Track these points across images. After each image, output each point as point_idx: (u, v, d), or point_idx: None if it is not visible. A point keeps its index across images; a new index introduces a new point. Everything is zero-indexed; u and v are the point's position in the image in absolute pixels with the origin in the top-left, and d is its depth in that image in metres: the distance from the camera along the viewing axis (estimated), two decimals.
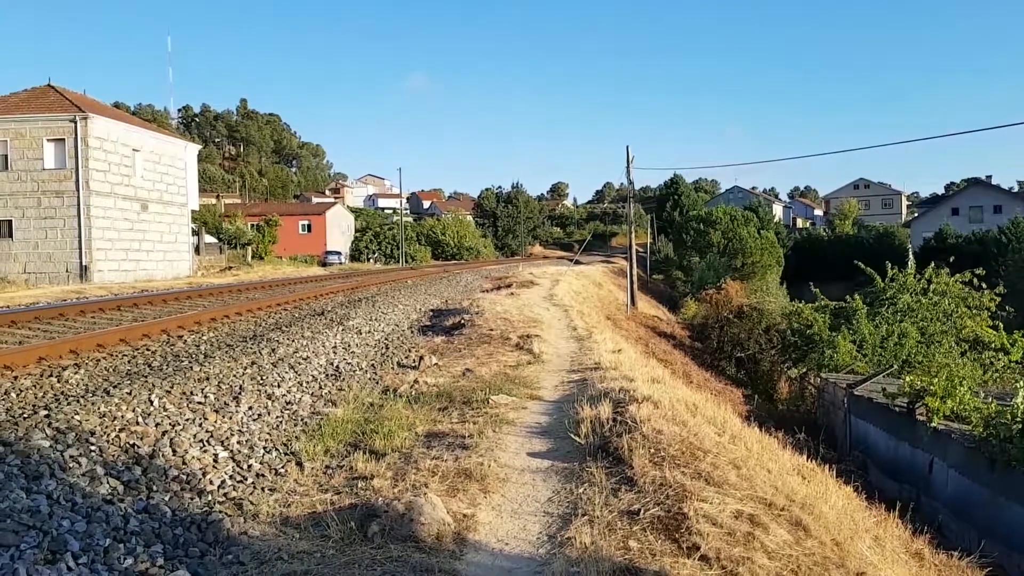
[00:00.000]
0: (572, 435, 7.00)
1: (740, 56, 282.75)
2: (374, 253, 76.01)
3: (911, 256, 53.16)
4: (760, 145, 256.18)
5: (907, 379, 14.12)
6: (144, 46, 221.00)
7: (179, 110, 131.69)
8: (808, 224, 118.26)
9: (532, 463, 6.61)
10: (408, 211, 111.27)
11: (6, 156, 33.16)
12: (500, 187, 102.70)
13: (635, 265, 37.45)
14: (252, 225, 65.63)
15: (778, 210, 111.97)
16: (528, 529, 5.21)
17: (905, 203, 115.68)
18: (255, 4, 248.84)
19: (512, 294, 24.17)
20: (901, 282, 25.08)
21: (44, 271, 32.72)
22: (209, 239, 58.63)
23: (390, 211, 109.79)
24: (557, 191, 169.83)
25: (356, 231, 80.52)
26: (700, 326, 35.54)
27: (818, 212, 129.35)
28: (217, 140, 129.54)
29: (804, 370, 24.62)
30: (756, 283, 44.17)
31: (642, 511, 5.16)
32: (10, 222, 33.30)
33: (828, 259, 64.24)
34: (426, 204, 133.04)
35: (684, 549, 4.68)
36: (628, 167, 36.22)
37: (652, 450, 6.18)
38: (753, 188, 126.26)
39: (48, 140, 33.10)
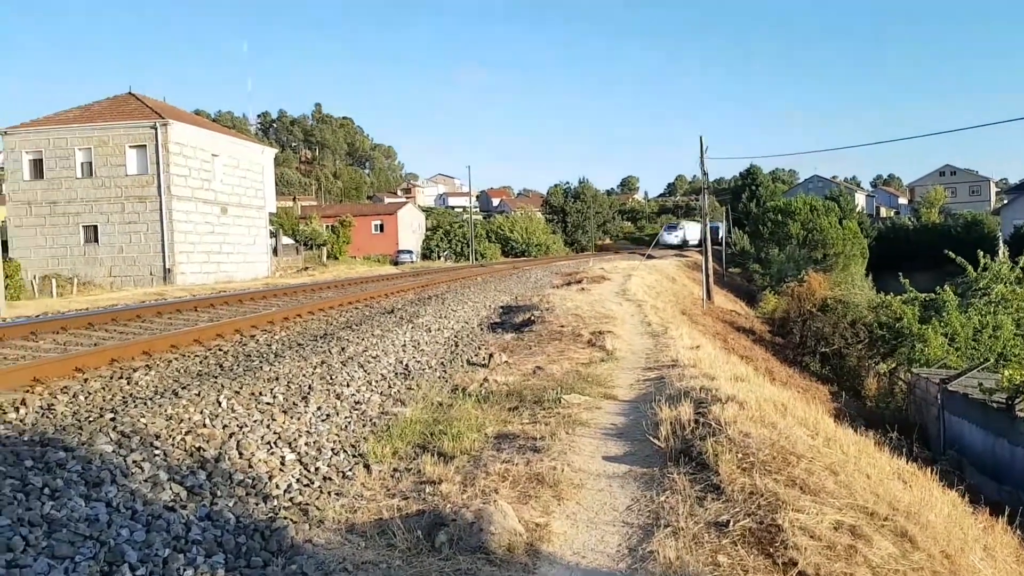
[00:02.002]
0: (651, 438, 6.59)
1: (819, 42, 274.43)
2: (444, 251, 76.58)
3: (1001, 244, 50.66)
4: (840, 132, 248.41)
5: (1005, 373, 13.48)
6: (224, 57, 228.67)
7: (257, 116, 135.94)
8: (892, 213, 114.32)
9: (608, 468, 6.23)
10: (478, 209, 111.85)
11: (91, 163, 34.49)
12: (568, 183, 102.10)
13: (711, 258, 36.47)
14: (327, 226, 66.90)
15: (860, 199, 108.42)
16: (606, 541, 4.84)
17: (994, 189, 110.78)
18: (328, 12, 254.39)
19: (583, 289, 23.75)
20: (994, 271, 23.91)
21: (128, 274, 33.89)
22: (286, 240, 59.99)
23: (460, 209, 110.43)
24: (627, 185, 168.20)
25: (427, 230, 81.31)
26: (781, 320, 34.48)
27: (902, 200, 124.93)
28: (294, 144, 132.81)
29: (893, 365, 23.74)
30: (839, 275, 42.55)
31: (731, 522, 4.74)
32: (95, 227, 34.62)
33: (914, 249, 61.89)
34: (495, 202, 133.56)
35: (780, 565, 4.28)
36: (702, 158, 35.31)
37: (740, 455, 5.72)
38: (834, 177, 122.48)
39: (130, 147, 34.26)
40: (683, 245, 77.90)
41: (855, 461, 6.56)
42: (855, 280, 40.95)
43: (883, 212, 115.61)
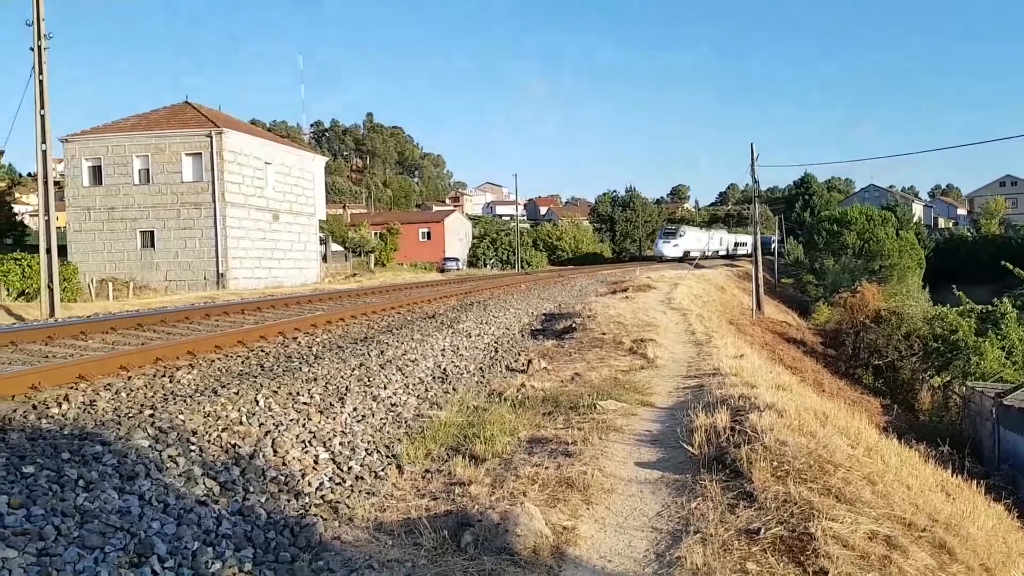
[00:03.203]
0: (685, 444, 6.48)
1: (874, 50, 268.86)
2: (491, 259, 76.83)
3: None
4: (898, 141, 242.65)
5: None
6: (280, 68, 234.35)
7: (311, 126, 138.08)
8: (951, 224, 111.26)
9: (640, 473, 6.14)
10: (525, 217, 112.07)
11: (148, 170, 35.40)
12: (616, 191, 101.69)
13: (760, 268, 35.87)
14: (376, 233, 67.71)
15: (918, 209, 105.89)
16: (634, 546, 4.77)
17: None
18: (380, 21, 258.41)
19: (627, 298, 23.56)
20: None
21: (183, 279, 34.67)
22: (336, 247, 60.85)
23: (507, 218, 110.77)
24: (678, 194, 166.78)
25: (474, 238, 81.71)
26: (834, 332, 33.79)
27: (961, 211, 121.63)
28: (345, 153, 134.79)
29: (948, 378, 23.11)
30: (895, 286, 41.48)
31: (762, 530, 4.64)
32: (152, 233, 35.51)
33: (973, 261, 60.28)
34: (543, 210, 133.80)
35: (810, 573, 4.18)
36: (752, 166, 34.78)
37: (775, 463, 5.58)
38: (891, 187, 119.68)
39: (186, 154, 35.08)
40: (684, 259, 62.88)
41: (896, 472, 6.35)
42: (911, 291, 39.90)
43: (941, 223, 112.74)
